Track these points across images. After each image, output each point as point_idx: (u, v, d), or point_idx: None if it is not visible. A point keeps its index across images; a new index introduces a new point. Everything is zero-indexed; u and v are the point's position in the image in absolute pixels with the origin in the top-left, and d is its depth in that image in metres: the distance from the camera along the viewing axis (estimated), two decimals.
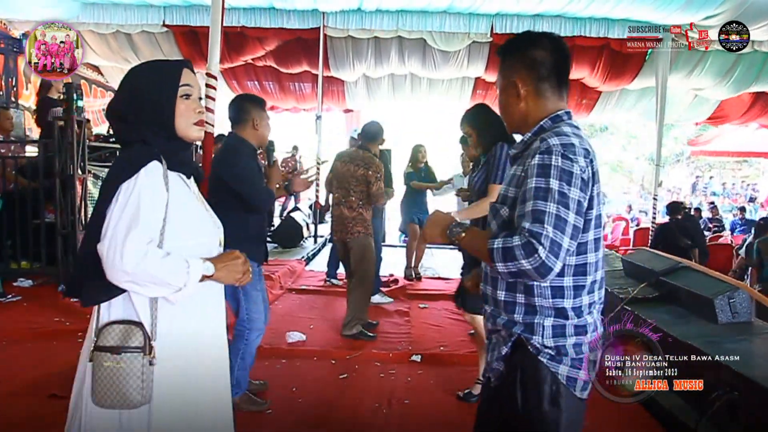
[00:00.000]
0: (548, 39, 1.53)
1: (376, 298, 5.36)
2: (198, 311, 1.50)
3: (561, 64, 1.53)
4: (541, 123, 1.51)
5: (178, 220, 1.43)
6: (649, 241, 8.18)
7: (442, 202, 6.33)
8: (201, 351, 1.50)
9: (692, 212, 11.81)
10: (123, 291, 1.38)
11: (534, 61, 1.51)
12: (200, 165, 1.75)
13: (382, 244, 6.41)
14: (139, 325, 1.39)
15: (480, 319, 3.13)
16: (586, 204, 1.40)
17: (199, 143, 3.32)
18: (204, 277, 1.43)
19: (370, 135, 4.48)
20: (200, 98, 1.57)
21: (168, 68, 1.53)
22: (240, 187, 2.79)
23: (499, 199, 1.55)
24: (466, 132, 3.13)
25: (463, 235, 1.52)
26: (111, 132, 7.66)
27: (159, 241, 1.39)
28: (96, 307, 1.44)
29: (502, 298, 1.51)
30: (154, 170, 1.42)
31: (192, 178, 1.60)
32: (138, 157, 1.43)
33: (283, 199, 11.33)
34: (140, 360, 1.37)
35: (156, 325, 1.41)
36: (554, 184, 1.35)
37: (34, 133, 8.55)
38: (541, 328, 1.45)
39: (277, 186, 3.10)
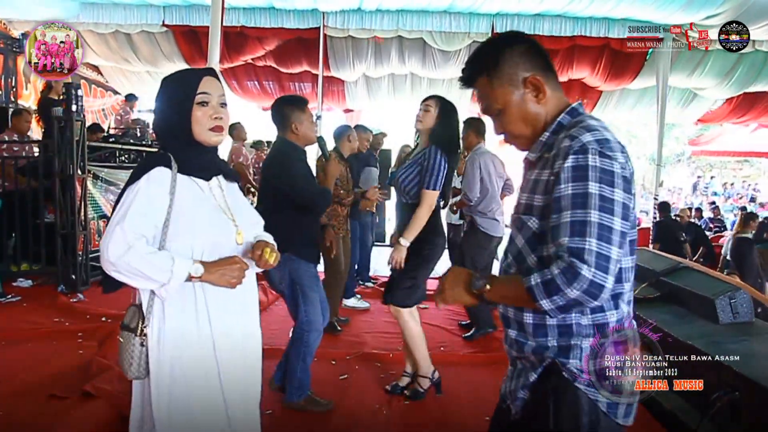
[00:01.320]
0: (513, 34, 1.43)
1: (351, 302, 5.37)
2: (203, 311, 1.58)
3: (542, 50, 1.39)
4: (559, 119, 1.34)
5: (181, 221, 1.54)
6: (650, 237, 8.36)
7: None
8: (204, 352, 1.58)
9: (693, 212, 11.81)
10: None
11: (531, 51, 1.36)
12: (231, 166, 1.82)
13: (377, 244, 6.40)
14: (141, 309, 1.56)
15: (404, 313, 3.18)
16: (632, 204, 1.23)
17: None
18: (192, 278, 1.51)
19: (335, 137, 4.68)
20: (223, 104, 1.64)
21: (188, 77, 1.64)
22: (293, 191, 2.82)
23: (519, 208, 1.37)
24: (426, 105, 3.10)
25: (488, 287, 1.31)
26: (110, 132, 7.70)
27: (161, 239, 1.52)
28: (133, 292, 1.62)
29: (530, 321, 1.32)
30: (157, 176, 1.54)
31: (217, 179, 1.68)
32: (146, 163, 1.58)
33: None
34: (131, 339, 1.54)
35: (151, 313, 1.55)
36: (593, 187, 1.18)
37: (35, 133, 8.56)
38: (578, 351, 1.27)
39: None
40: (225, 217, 1.64)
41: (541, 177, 1.30)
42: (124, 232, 1.45)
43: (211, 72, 1.66)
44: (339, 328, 4.56)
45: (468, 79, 1.41)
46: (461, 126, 3.20)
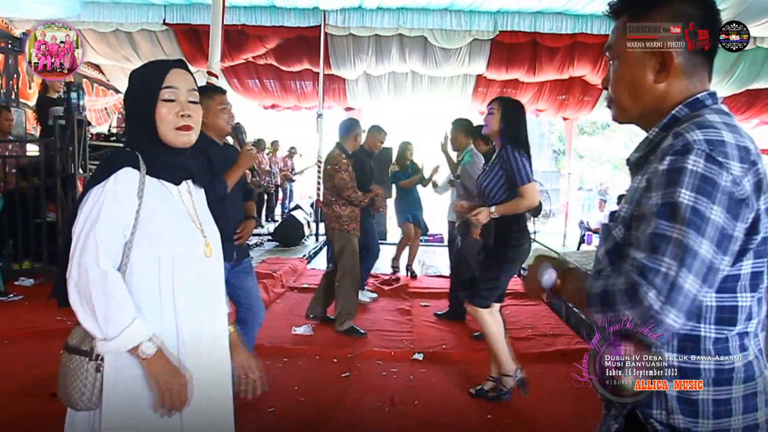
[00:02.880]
0: None
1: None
2: (173, 320, 1.41)
3: (717, 25, 1.11)
4: (673, 112, 1.09)
5: (149, 228, 1.38)
6: None
7: (443, 199, 6.30)
8: (178, 361, 1.41)
9: None
10: None
11: (690, 19, 1.07)
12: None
13: (380, 241, 6.39)
14: None
15: (484, 314, 3.12)
16: (736, 233, 0.96)
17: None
18: (133, 351, 1.32)
19: (341, 130, 4.58)
20: (193, 101, 1.48)
21: (153, 69, 1.46)
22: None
23: (611, 218, 1.16)
24: (490, 108, 3.18)
25: (559, 282, 1.14)
26: (111, 131, 7.69)
27: (126, 248, 1.36)
28: None
29: None
30: (123, 177, 1.38)
31: (186, 184, 1.53)
32: (113, 162, 1.40)
33: (281, 197, 11.35)
34: (84, 364, 1.35)
35: None
36: (685, 196, 0.94)
37: (38, 132, 8.58)
38: (663, 398, 1.03)
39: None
40: (194, 226, 1.49)
41: (639, 184, 1.07)
42: (95, 243, 1.30)
43: (180, 64, 1.49)
44: (362, 331, 4.47)
45: (616, 8, 1.16)
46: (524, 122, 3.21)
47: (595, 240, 9.97)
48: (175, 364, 1.38)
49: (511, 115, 3.12)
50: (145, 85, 1.44)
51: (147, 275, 1.39)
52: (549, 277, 1.16)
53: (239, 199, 3.00)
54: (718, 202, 0.94)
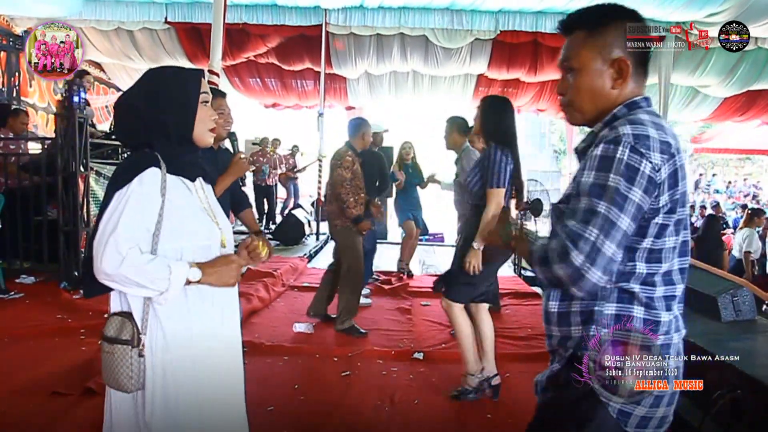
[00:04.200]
0: (633, 11, 1.32)
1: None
2: (206, 310, 1.55)
3: (650, 40, 1.31)
4: (614, 111, 1.28)
5: (173, 223, 1.48)
6: None
7: (444, 200, 6.31)
8: (195, 354, 1.53)
9: (697, 210, 11.80)
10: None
11: (635, 34, 1.29)
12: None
13: (378, 241, 6.40)
14: (131, 319, 1.48)
15: (456, 309, 3.13)
16: (645, 205, 1.18)
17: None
18: (190, 282, 1.47)
19: (349, 130, 4.55)
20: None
21: (192, 74, 1.60)
22: None
23: (562, 198, 1.35)
24: (477, 108, 3.17)
25: (515, 233, 1.40)
26: (114, 129, 7.68)
27: (153, 243, 1.46)
28: (109, 299, 1.55)
29: (554, 310, 1.31)
30: (149, 178, 1.47)
31: (199, 180, 1.64)
32: (136, 164, 1.48)
33: (284, 197, 11.35)
34: (129, 352, 1.46)
35: (147, 320, 1.48)
36: (615, 181, 1.15)
37: (39, 130, 8.57)
38: (597, 344, 1.24)
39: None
40: (210, 220, 1.61)
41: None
42: (117, 243, 1.40)
43: (204, 74, 1.66)
44: (362, 330, 4.46)
45: (568, 26, 1.37)
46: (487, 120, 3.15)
47: None
48: (218, 257, 1.56)
49: (491, 114, 3.08)
50: (186, 88, 1.56)
51: None
52: (510, 229, 1.41)
53: (227, 206, 2.98)
54: (638, 185, 1.15)
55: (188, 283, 1.47)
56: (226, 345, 1.61)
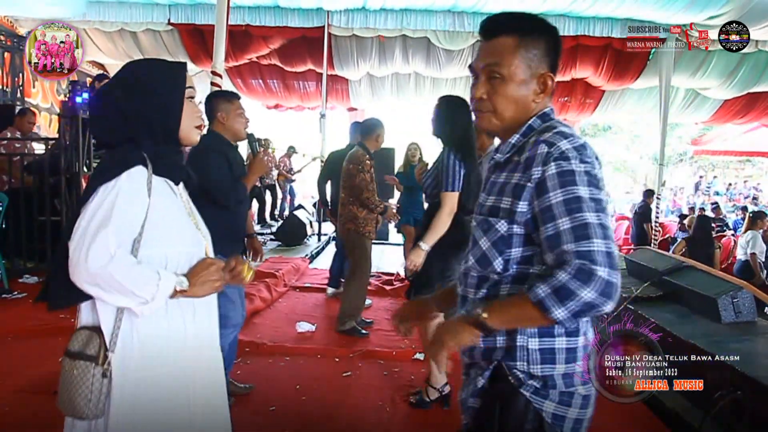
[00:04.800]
0: (554, 27, 1.35)
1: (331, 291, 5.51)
2: (174, 319, 1.40)
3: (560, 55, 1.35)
4: (530, 122, 1.30)
5: (158, 227, 1.36)
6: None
7: None
8: (184, 360, 1.41)
9: (696, 212, 11.80)
10: (89, 297, 1.31)
11: (556, 52, 1.32)
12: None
13: (379, 242, 6.42)
14: (100, 332, 1.32)
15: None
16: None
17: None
18: (177, 293, 1.34)
19: (364, 130, 4.47)
20: (199, 102, 1.55)
21: (176, 67, 1.48)
22: (205, 182, 2.62)
23: (484, 210, 1.32)
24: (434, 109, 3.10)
25: (486, 315, 1.21)
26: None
27: (135, 247, 1.32)
28: (78, 311, 1.39)
29: None
30: (136, 175, 1.36)
31: (181, 184, 1.54)
32: (123, 159, 1.36)
33: (288, 198, 11.37)
34: (90, 370, 1.30)
35: (117, 335, 1.32)
36: (584, 191, 1.16)
37: (42, 130, 8.59)
38: (525, 352, 1.23)
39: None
40: (195, 227, 1.50)
41: (510, 180, 1.27)
42: (107, 238, 1.25)
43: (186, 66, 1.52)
44: (364, 331, 4.47)
45: (494, 28, 1.33)
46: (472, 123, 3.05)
47: None
48: (196, 263, 1.43)
49: (445, 116, 2.99)
50: (172, 84, 1.44)
51: None
52: (475, 314, 1.22)
53: (248, 202, 3.06)
54: (600, 187, 1.19)
55: (174, 294, 1.34)
56: (209, 360, 1.49)
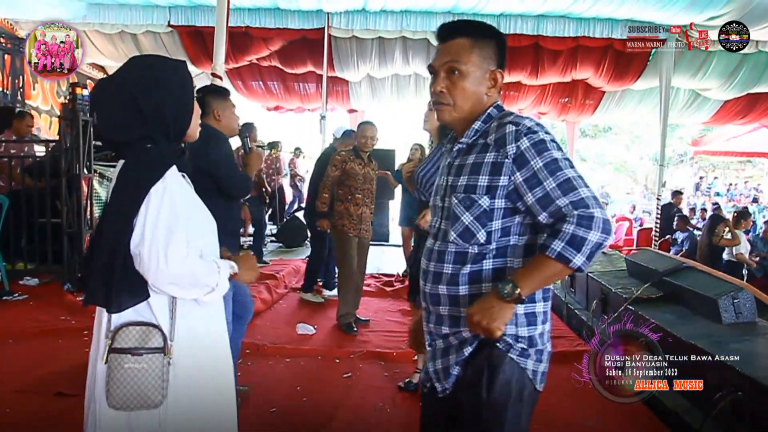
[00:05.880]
0: (501, 32, 1.55)
1: (308, 296, 5.52)
2: (207, 311, 1.52)
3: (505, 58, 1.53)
4: (489, 112, 1.47)
5: (192, 220, 1.44)
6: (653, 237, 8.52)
7: None
8: (211, 351, 1.52)
9: (698, 213, 11.80)
10: (147, 296, 1.39)
11: (503, 51, 1.49)
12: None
13: (379, 243, 6.43)
14: (157, 326, 1.40)
15: None
16: None
17: None
18: (232, 277, 1.49)
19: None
20: None
21: (183, 65, 1.54)
22: (217, 173, 2.73)
23: (459, 189, 1.43)
24: (431, 104, 3.12)
25: (520, 289, 1.31)
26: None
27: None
28: (97, 311, 1.45)
29: (466, 293, 1.41)
30: (175, 173, 1.44)
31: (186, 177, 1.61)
32: (160, 159, 1.42)
33: (289, 199, 11.37)
34: (160, 360, 1.38)
35: (174, 327, 1.42)
36: (557, 154, 1.34)
37: (42, 132, 8.59)
38: (515, 317, 1.36)
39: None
40: (209, 215, 1.59)
41: (483, 160, 1.41)
42: (180, 240, 1.35)
43: None
44: (354, 329, 4.54)
45: (450, 32, 1.50)
46: None
47: None
48: (240, 253, 1.62)
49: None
50: (185, 84, 1.50)
51: None
52: (508, 290, 1.31)
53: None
54: (565, 151, 1.37)
55: (230, 278, 1.49)
56: (221, 345, 1.60)
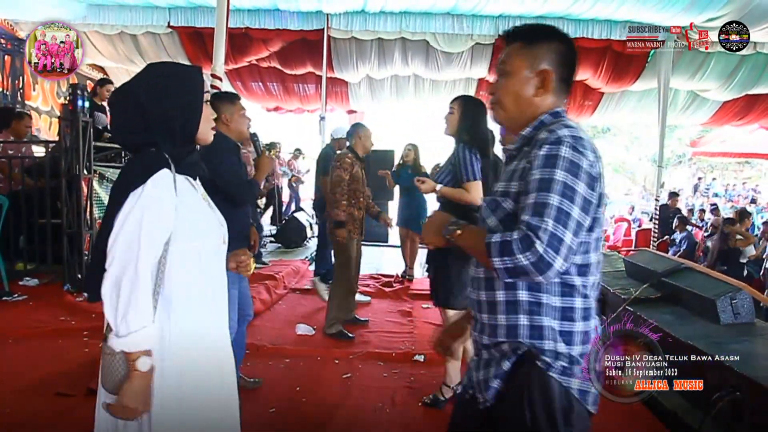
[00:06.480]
0: (566, 36, 1.50)
1: (321, 287, 5.58)
2: (207, 312, 1.52)
3: (575, 62, 1.50)
4: (542, 118, 1.43)
5: (186, 222, 1.45)
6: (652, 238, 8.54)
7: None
8: (208, 353, 1.51)
9: (696, 213, 11.81)
10: None
11: (562, 54, 1.45)
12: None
13: (379, 244, 6.44)
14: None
15: (451, 315, 3.07)
16: (594, 201, 1.31)
17: None
18: (129, 357, 1.36)
19: (347, 134, 4.69)
20: None
21: (197, 72, 1.58)
22: (220, 181, 2.73)
23: (496, 193, 1.45)
24: (450, 107, 3.13)
25: (459, 232, 1.41)
26: (112, 128, 7.70)
27: (165, 248, 1.41)
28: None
29: (502, 299, 1.38)
30: (163, 178, 1.42)
31: (198, 179, 1.62)
32: (149, 164, 1.43)
33: (287, 200, 11.38)
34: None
35: (170, 326, 1.43)
36: (560, 175, 1.26)
37: (42, 133, 8.59)
38: (550, 331, 1.33)
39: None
40: (214, 215, 1.59)
41: (518, 167, 1.39)
42: (140, 248, 1.36)
43: None
44: (350, 335, 4.44)
45: (510, 36, 1.50)
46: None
47: None
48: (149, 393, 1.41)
49: (470, 115, 3.05)
50: (194, 87, 1.53)
51: (190, 270, 1.47)
52: (451, 228, 1.42)
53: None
54: (580, 178, 1.27)
55: (131, 356, 1.36)
56: (221, 346, 1.58)
